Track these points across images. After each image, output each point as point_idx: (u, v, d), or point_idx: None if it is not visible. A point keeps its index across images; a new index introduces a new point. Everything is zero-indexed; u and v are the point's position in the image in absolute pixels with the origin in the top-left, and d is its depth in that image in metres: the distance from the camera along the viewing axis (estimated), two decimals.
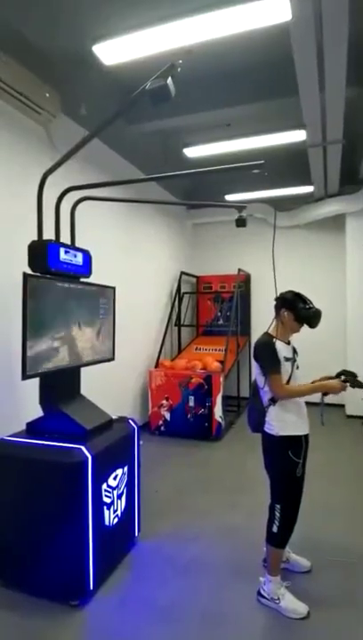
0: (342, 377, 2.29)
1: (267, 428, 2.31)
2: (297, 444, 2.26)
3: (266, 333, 2.38)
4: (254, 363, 2.38)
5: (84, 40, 3.09)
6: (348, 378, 2.28)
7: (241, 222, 3.10)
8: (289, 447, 2.24)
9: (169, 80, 1.72)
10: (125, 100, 1.99)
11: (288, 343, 2.39)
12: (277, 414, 2.28)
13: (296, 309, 2.32)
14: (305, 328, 2.39)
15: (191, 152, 4.93)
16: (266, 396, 2.32)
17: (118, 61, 3.17)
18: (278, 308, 2.38)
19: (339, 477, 4.07)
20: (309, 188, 6.04)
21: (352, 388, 2.28)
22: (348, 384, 2.26)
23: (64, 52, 3.33)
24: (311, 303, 2.34)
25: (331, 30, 2.68)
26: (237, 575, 2.56)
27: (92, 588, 2.30)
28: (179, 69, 1.73)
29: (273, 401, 2.28)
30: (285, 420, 2.26)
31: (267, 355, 2.26)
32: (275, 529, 2.28)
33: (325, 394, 2.33)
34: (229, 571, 2.61)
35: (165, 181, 6.22)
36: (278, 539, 2.30)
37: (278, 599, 2.23)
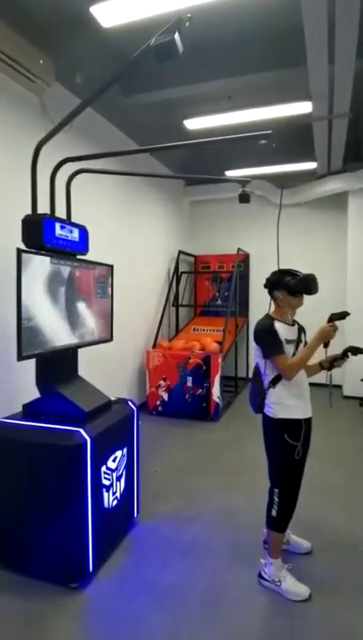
0: (348, 353, 2.28)
1: (266, 411, 2.29)
2: (295, 428, 2.21)
3: (267, 315, 2.33)
4: (253, 346, 2.32)
5: (81, 0, 2.89)
6: (339, 314, 2.26)
7: (244, 198, 2.96)
8: (286, 430, 2.20)
9: (176, 35, 1.58)
10: (127, 61, 1.83)
11: (293, 324, 2.33)
12: (276, 397, 2.24)
13: (286, 284, 2.24)
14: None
15: (192, 124, 4.75)
16: (266, 379, 2.29)
17: (117, 23, 2.97)
18: (270, 292, 2.33)
19: (338, 459, 4.06)
20: (312, 165, 5.88)
21: (354, 355, 2.27)
22: (337, 321, 2.23)
23: (59, 13, 3.12)
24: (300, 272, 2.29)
25: None
26: (238, 556, 2.55)
27: (91, 570, 2.28)
28: (187, 24, 1.59)
29: (273, 384, 2.25)
30: (284, 403, 2.22)
31: (268, 338, 2.21)
32: (274, 513, 2.26)
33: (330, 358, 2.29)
34: (229, 552, 2.60)
35: (164, 156, 6.03)
36: (276, 523, 2.27)
37: (279, 581, 2.22)
